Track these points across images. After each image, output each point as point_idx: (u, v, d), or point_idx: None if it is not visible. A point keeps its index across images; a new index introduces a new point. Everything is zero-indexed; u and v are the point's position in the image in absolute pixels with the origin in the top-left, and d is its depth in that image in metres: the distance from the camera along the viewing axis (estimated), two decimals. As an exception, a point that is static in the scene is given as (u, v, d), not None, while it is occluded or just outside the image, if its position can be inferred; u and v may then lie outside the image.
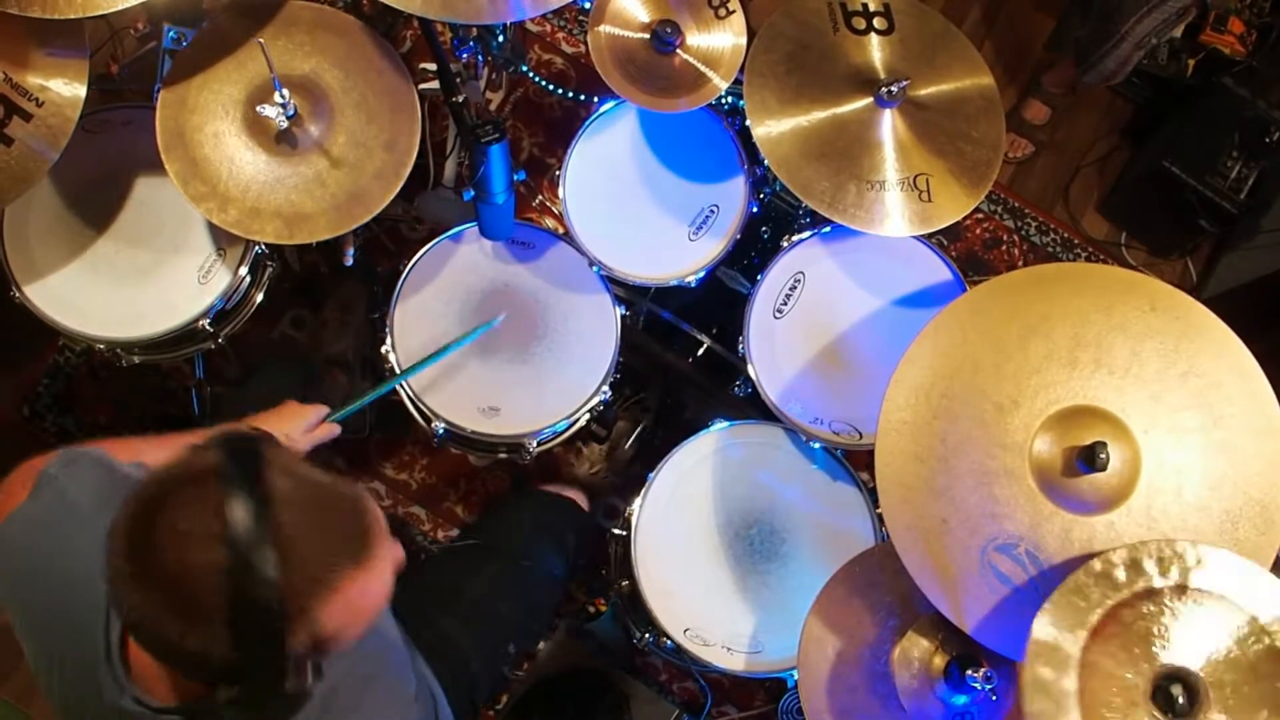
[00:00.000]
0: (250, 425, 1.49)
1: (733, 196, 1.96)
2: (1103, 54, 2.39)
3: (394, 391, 1.89)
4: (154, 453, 1.37)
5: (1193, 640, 1.16)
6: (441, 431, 1.85)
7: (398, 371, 1.85)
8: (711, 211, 1.95)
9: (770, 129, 1.72)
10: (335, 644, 0.96)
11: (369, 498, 0.98)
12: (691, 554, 1.84)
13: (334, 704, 1.13)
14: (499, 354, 1.90)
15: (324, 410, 1.57)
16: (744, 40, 1.79)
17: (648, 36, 1.79)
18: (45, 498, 1.15)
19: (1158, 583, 1.18)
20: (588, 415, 1.92)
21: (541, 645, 2.17)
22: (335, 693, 1.14)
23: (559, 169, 1.97)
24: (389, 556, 0.98)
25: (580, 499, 2.10)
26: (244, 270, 1.86)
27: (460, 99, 1.65)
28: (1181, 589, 1.17)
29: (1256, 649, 1.15)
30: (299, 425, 1.52)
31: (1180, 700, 1.13)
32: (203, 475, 0.90)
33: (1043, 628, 1.17)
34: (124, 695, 1.04)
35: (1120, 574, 1.18)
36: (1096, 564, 1.19)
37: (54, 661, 1.12)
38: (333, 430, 1.57)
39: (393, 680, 1.31)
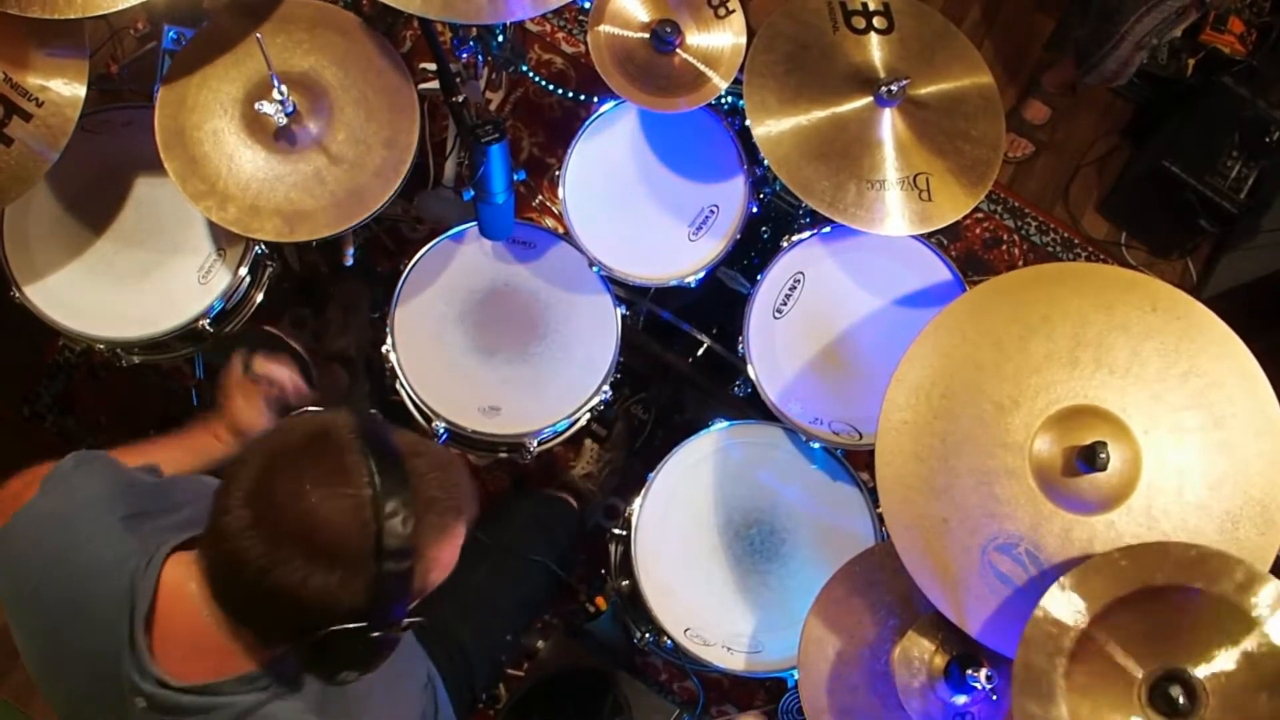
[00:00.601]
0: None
1: (732, 196, 1.95)
2: (1103, 54, 2.39)
3: (394, 391, 1.89)
4: (158, 453, 1.37)
5: (1185, 636, 1.16)
6: (442, 431, 1.85)
7: (397, 371, 1.85)
8: (711, 211, 1.95)
9: (770, 128, 1.72)
10: (427, 592, 1.04)
11: (461, 462, 1.07)
12: (691, 554, 1.84)
13: (353, 688, 1.14)
14: (500, 354, 1.89)
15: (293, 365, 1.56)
16: (743, 40, 1.79)
17: (647, 36, 1.79)
18: (56, 495, 1.15)
19: (1143, 585, 1.18)
20: (588, 415, 1.92)
21: (541, 645, 2.17)
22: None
23: (559, 169, 1.97)
24: None
25: (570, 498, 2.15)
26: (244, 270, 1.86)
27: (460, 99, 1.65)
28: (1165, 587, 1.17)
29: (1249, 638, 1.15)
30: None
31: (1180, 700, 1.13)
32: (344, 429, 0.98)
33: (1050, 606, 1.18)
34: (147, 679, 1.04)
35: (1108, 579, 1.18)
36: (1092, 565, 1.18)
37: (60, 654, 1.12)
38: (308, 391, 1.56)
39: (404, 666, 1.33)
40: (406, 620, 1.01)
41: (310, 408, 1.08)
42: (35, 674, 1.14)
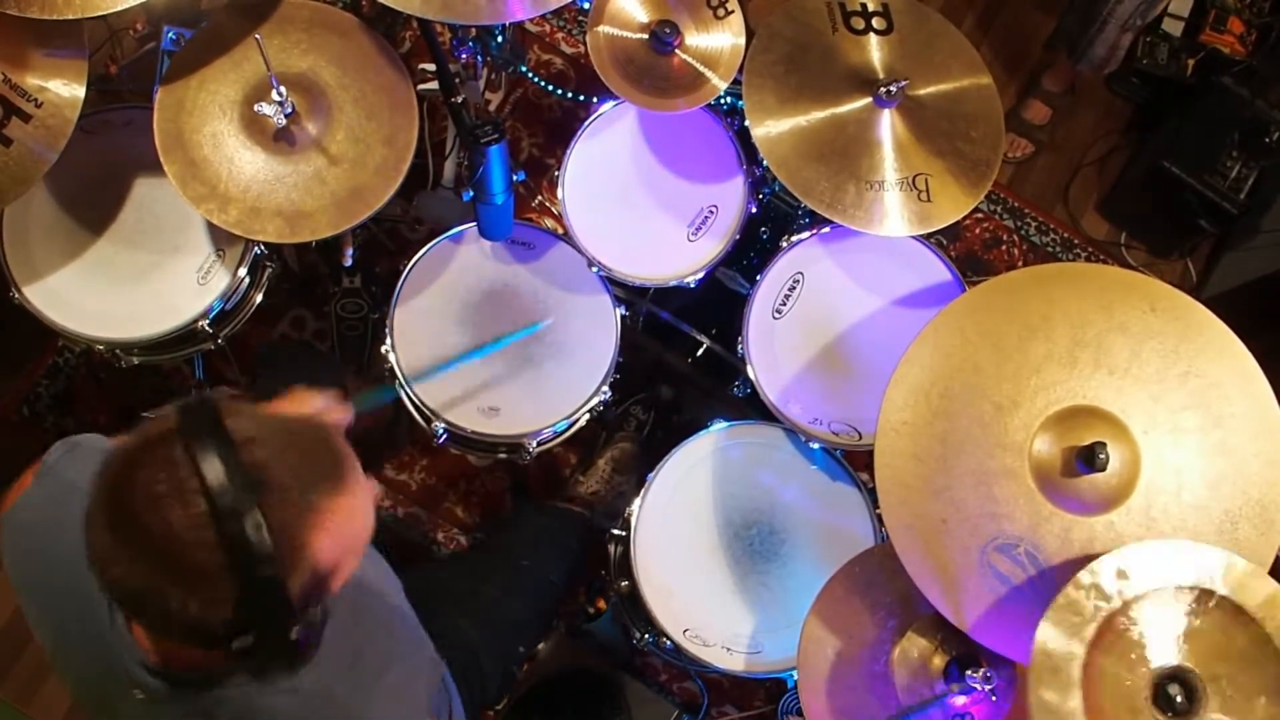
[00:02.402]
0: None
1: (732, 197, 1.95)
2: (1090, 39, 2.40)
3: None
4: None
5: (1169, 635, 1.16)
6: (442, 432, 1.85)
7: (398, 373, 1.85)
8: (711, 212, 1.95)
9: (769, 129, 1.72)
10: (335, 577, 0.95)
11: (331, 424, 0.97)
12: (691, 554, 1.84)
13: (360, 671, 1.14)
14: (499, 354, 1.89)
15: (335, 396, 1.54)
16: (743, 40, 1.79)
17: (646, 37, 1.79)
18: (47, 482, 1.17)
19: (1115, 603, 1.18)
20: (588, 415, 1.92)
21: (541, 645, 2.18)
22: (360, 658, 1.14)
23: (558, 169, 1.97)
24: (365, 483, 0.97)
25: (578, 509, 2.17)
26: (243, 271, 1.86)
27: (459, 99, 1.65)
28: (1160, 590, 1.18)
29: (1217, 611, 1.16)
30: (313, 404, 1.48)
31: (1179, 699, 1.13)
32: (164, 436, 0.89)
33: (1044, 644, 1.17)
34: (136, 666, 1.04)
35: (1104, 586, 1.19)
36: (1082, 578, 1.19)
37: (65, 638, 1.13)
38: (346, 414, 1.54)
39: (416, 653, 1.34)
40: (308, 618, 0.93)
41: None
42: (50, 659, 1.15)
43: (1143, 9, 2.31)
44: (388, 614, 1.31)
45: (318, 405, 1.44)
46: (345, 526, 0.93)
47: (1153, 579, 1.18)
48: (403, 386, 1.86)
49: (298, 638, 0.92)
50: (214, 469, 0.85)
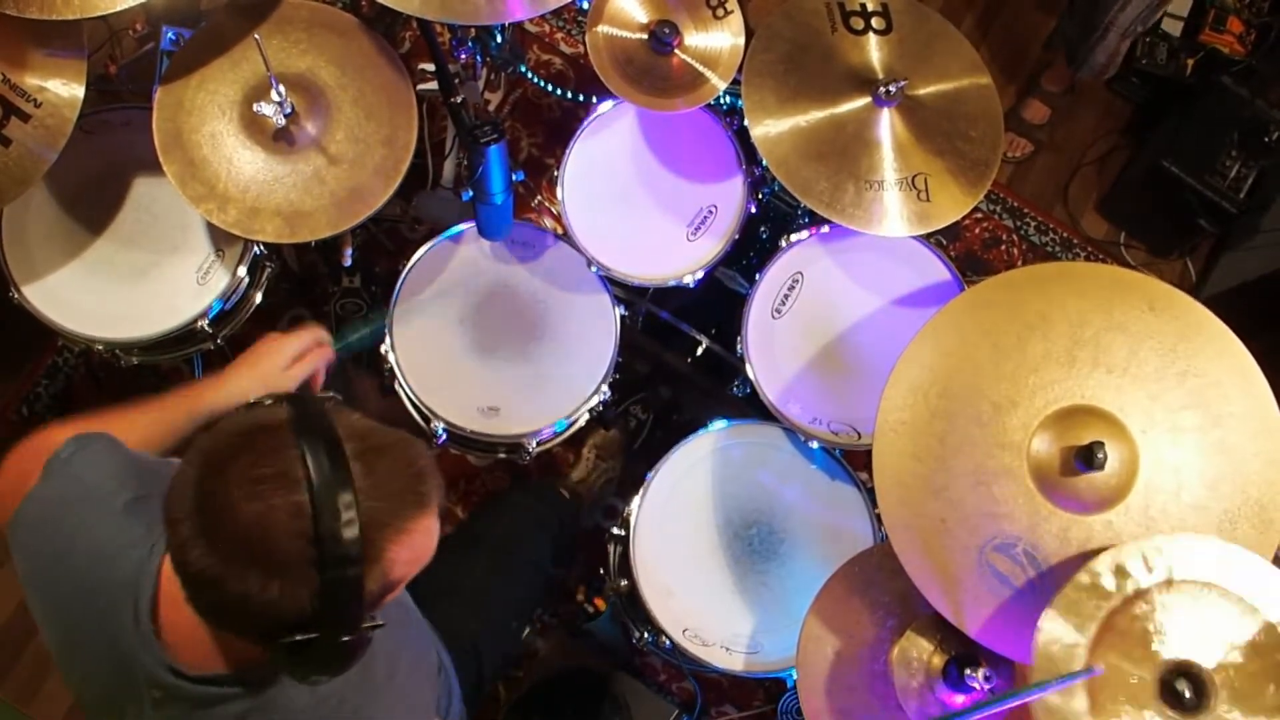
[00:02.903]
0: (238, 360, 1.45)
1: (731, 196, 1.95)
2: (1090, 47, 2.40)
3: (394, 393, 1.89)
4: (140, 421, 1.36)
5: (1191, 631, 1.16)
6: (441, 431, 1.85)
7: (396, 372, 1.85)
8: (710, 212, 1.95)
9: (769, 129, 1.72)
10: (396, 589, 0.98)
11: (422, 444, 1.00)
12: (690, 554, 1.84)
13: (371, 673, 1.14)
14: (498, 354, 1.90)
15: (310, 335, 1.49)
16: (742, 40, 1.79)
17: (646, 37, 1.79)
18: (59, 480, 1.15)
19: (1145, 581, 1.18)
20: (587, 415, 1.92)
21: (541, 645, 2.18)
22: (373, 658, 1.15)
23: (557, 169, 1.97)
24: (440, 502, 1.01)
25: (565, 490, 2.15)
26: (242, 270, 1.86)
27: (459, 99, 1.65)
28: (1168, 583, 1.18)
29: (1253, 628, 1.15)
30: (285, 354, 1.45)
31: (1187, 695, 1.13)
32: (276, 426, 0.92)
33: (1048, 636, 1.17)
34: (160, 667, 1.04)
35: (1108, 581, 1.19)
36: (1084, 577, 1.19)
37: (72, 638, 1.13)
38: (326, 355, 1.50)
39: (422, 651, 1.34)
40: (367, 625, 0.96)
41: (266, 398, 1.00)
42: (55, 658, 1.15)
43: (1144, 16, 2.31)
44: (398, 613, 1.31)
45: (293, 348, 1.43)
46: (420, 543, 0.97)
47: (1159, 573, 1.18)
48: (403, 387, 1.86)
49: (352, 641, 0.95)
50: (322, 466, 0.89)
